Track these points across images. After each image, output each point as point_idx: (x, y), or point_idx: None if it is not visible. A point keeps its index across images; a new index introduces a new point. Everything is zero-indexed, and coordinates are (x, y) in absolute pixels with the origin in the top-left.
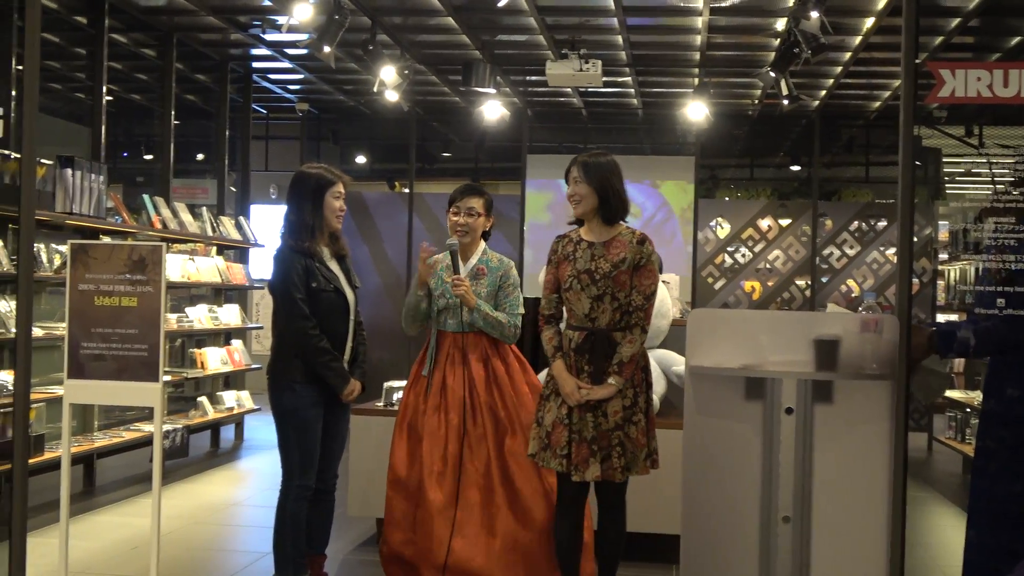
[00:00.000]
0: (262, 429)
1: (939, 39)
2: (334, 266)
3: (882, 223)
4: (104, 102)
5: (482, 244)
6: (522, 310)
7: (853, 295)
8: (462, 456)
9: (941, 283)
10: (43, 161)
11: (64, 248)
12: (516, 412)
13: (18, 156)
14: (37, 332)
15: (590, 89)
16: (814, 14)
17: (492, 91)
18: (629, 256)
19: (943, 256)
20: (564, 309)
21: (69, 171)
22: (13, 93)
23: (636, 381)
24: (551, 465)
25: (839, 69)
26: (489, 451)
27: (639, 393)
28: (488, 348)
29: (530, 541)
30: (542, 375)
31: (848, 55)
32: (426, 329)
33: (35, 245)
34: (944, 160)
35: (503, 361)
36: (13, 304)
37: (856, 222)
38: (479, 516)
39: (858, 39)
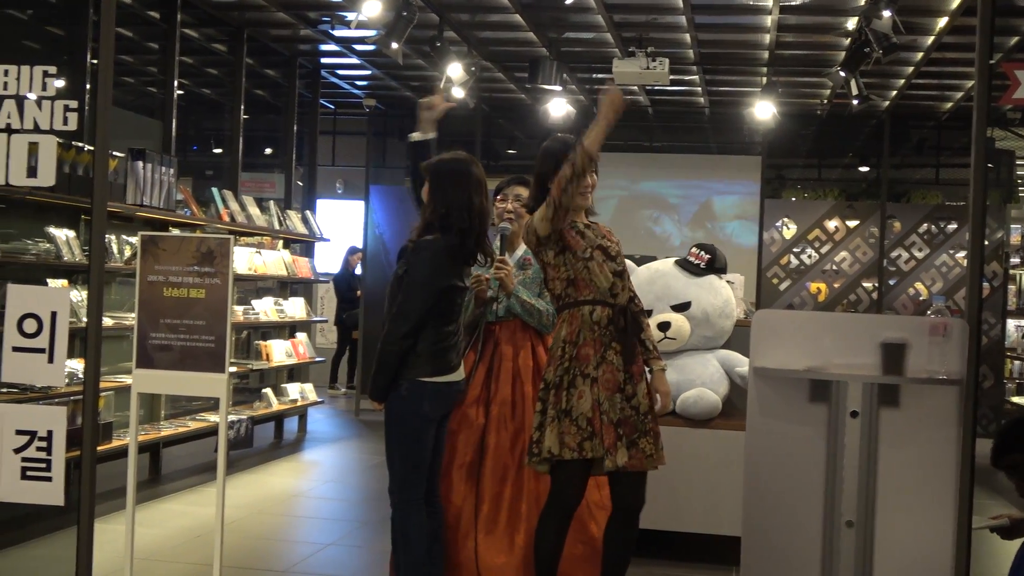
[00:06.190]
0: (325, 422)
1: (1015, 39)
2: None
3: (952, 226)
4: (175, 96)
5: None
6: None
7: (921, 298)
8: (496, 449)
9: (1012, 287)
10: (115, 154)
11: (134, 239)
12: None
13: (91, 148)
14: (107, 322)
15: (657, 87)
16: (886, 13)
17: (558, 88)
18: (617, 240)
19: (1015, 260)
20: (572, 283)
21: (140, 164)
22: (87, 87)
23: (641, 370)
24: (597, 452)
25: (911, 69)
26: (525, 445)
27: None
28: (534, 339)
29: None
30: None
31: (920, 55)
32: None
33: (106, 236)
34: (1017, 162)
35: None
36: (85, 294)
37: (925, 224)
38: (506, 514)
39: (931, 39)
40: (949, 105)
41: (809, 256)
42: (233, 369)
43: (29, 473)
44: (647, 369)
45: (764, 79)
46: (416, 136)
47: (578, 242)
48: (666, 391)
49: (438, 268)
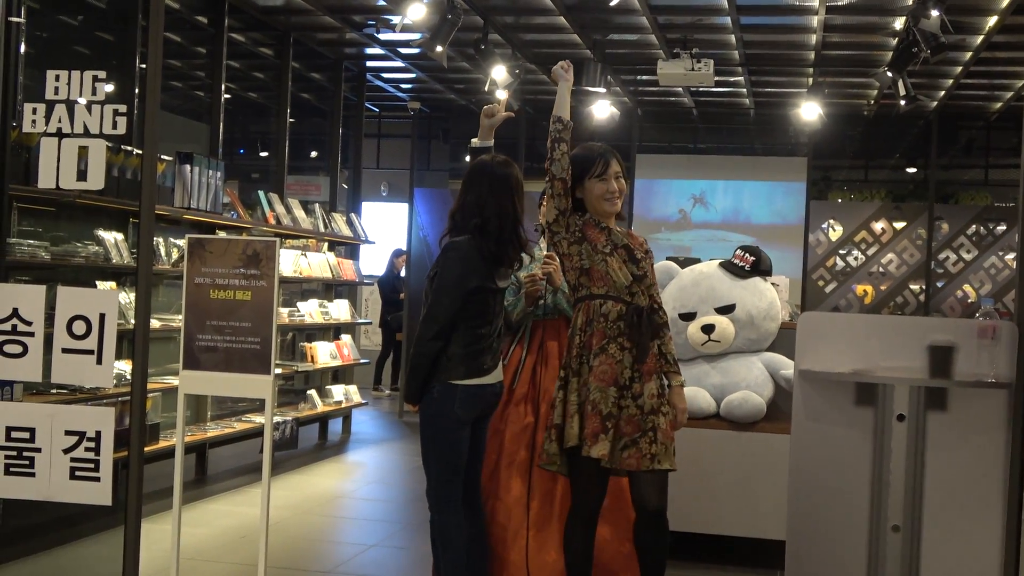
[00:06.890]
0: (369, 423)
1: None
2: None
3: (1001, 227)
4: (223, 100)
5: None
6: None
7: (969, 301)
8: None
9: None
10: (163, 157)
11: (182, 242)
12: None
13: (140, 152)
14: (154, 324)
15: (701, 89)
16: (934, 12)
17: (602, 90)
18: (649, 250)
19: None
20: (586, 273)
21: (188, 167)
22: (136, 91)
23: (653, 370)
24: (572, 440)
25: (959, 69)
26: None
27: (662, 384)
28: None
29: (605, 536)
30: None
31: (969, 54)
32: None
33: (154, 239)
34: None
35: None
36: (132, 296)
37: (974, 226)
38: (558, 511)
39: (980, 38)
40: (999, 105)
41: (855, 258)
42: (278, 371)
43: (78, 473)
44: (666, 384)
45: (810, 80)
46: (476, 142)
47: (599, 237)
48: (683, 408)
49: (467, 269)
